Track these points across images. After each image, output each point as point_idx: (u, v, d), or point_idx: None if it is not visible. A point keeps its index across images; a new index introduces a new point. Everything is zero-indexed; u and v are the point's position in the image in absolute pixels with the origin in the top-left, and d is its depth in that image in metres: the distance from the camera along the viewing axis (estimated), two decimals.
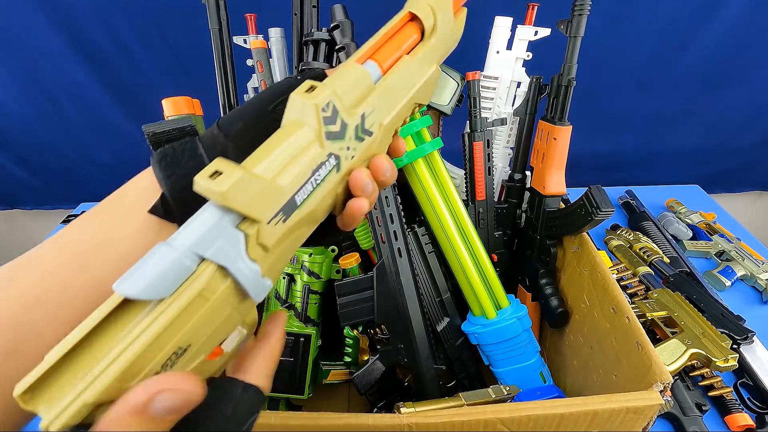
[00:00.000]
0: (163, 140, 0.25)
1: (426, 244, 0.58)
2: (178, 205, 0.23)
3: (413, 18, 0.26)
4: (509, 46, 0.62)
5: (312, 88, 0.21)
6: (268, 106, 0.25)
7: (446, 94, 0.61)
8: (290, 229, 0.20)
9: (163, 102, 0.55)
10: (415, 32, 0.26)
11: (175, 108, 0.55)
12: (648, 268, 0.86)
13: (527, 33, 0.61)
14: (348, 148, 0.22)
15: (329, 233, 0.27)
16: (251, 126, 0.25)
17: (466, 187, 0.64)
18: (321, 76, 0.25)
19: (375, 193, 0.25)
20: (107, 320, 0.17)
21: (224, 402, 0.19)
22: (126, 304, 0.17)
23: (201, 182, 0.18)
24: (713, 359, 0.62)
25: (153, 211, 0.23)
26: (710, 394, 0.66)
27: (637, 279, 0.83)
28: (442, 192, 0.55)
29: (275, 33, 0.66)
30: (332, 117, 0.21)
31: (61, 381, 0.16)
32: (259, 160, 0.20)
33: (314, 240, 0.26)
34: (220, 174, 0.18)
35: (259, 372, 0.22)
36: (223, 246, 0.18)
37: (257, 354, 0.23)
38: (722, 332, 0.67)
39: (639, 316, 0.71)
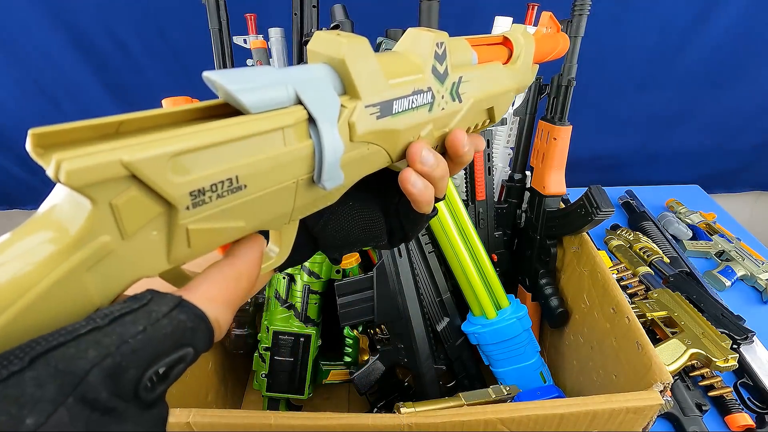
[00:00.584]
0: None
1: (426, 244, 0.58)
2: None
3: (505, 42, 0.30)
4: None
5: (440, 42, 0.22)
6: None
7: None
8: (378, 132, 0.20)
9: (163, 102, 0.55)
10: (503, 54, 0.29)
11: None
12: (648, 268, 0.86)
13: None
14: (443, 97, 0.23)
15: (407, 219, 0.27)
16: None
17: (466, 187, 0.64)
18: None
19: (460, 164, 0.26)
20: (199, 112, 0.16)
21: (132, 318, 0.13)
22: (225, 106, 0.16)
23: (323, 34, 0.18)
24: (713, 359, 0.62)
25: None
26: (710, 394, 0.66)
27: (637, 279, 0.83)
28: None
29: (275, 33, 0.66)
30: (441, 57, 0.22)
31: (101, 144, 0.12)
32: (383, 56, 0.20)
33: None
34: (345, 38, 0.17)
35: (209, 293, 0.16)
36: (322, 100, 0.17)
37: (214, 272, 0.17)
38: (722, 332, 0.67)
39: (639, 316, 0.71)
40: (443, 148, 0.26)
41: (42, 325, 0.12)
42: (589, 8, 0.55)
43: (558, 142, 0.58)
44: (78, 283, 0.13)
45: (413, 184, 0.22)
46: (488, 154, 0.61)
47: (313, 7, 0.60)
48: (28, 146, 0.12)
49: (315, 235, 0.25)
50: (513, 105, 0.65)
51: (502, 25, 0.61)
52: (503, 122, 0.64)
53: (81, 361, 0.12)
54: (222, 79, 0.15)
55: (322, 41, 0.18)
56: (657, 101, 1.09)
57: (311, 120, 0.17)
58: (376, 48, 0.57)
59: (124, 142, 0.13)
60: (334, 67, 0.18)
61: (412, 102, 0.21)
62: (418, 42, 0.22)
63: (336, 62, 0.18)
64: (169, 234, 0.14)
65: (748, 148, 1.19)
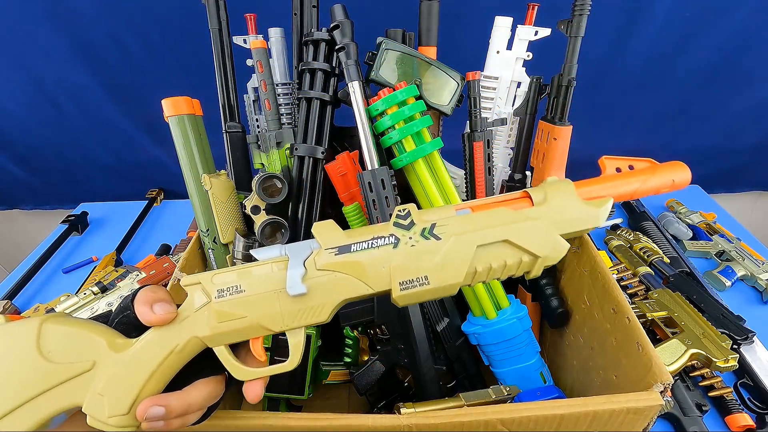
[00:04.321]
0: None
1: None
2: None
3: (526, 195, 0.33)
4: (509, 46, 0.62)
5: (403, 210, 0.31)
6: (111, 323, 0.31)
7: (446, 94, 0.61)
8: (339, 263, 0.30)
9: (163, 102, 0.55)
10: (526, 204, 0.32)
11: (174, 108, 0.55)
12: (648, 268, 0.86)
13: (527, 33, 0.61)
14: (410, 238, 0.30)
15: None
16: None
17: (466, 187, 0.63)
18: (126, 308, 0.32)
19: None
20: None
21: None
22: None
23: (315, 226, 0.31)
24: (713, 359, 0.62)
25: None
26: (710, 394, 0.66)
27: (637, 279, 0.83)
28: (442, 192, 0.54)
29: (275, 33, 0.66)
30: (404, 216, 0.31)
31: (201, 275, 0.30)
32: (350, 231, 0.31)
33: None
34: (324, 225, 0.31)
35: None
36: (297, 251, 0.30)
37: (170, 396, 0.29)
38: (722, 332, 0.67)
39: (639, 317, 0.71)
40: None
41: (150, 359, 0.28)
42: (589, 8, 0.55)
43: (558, 142, 0.58)
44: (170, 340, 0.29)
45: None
46: (488, 154, 0.61)
47: (313, 7, 0.60)
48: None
49: None
50: (513, 105, 0.65)
51: (503, 25, 0.61)
52: (503, 122, 0.64)
53: None
54: (253, 252, 0.31)
55: (314, 228, 0.31)
56: (657, 101, 1.09)
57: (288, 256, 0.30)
58: (376, 48, 0.57)
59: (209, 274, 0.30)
60: (315, 237, 0.31)
61: (372, 243, 0.30)
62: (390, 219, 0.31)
63: (315, 235, 0.31)
64: (209, 313, 0.29)
65: (748, 148, 1.19)
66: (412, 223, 0.30)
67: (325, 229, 0.31)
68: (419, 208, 0.56)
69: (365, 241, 0.30)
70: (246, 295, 0.29)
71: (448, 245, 0.30)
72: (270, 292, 0.29)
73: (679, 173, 0.34)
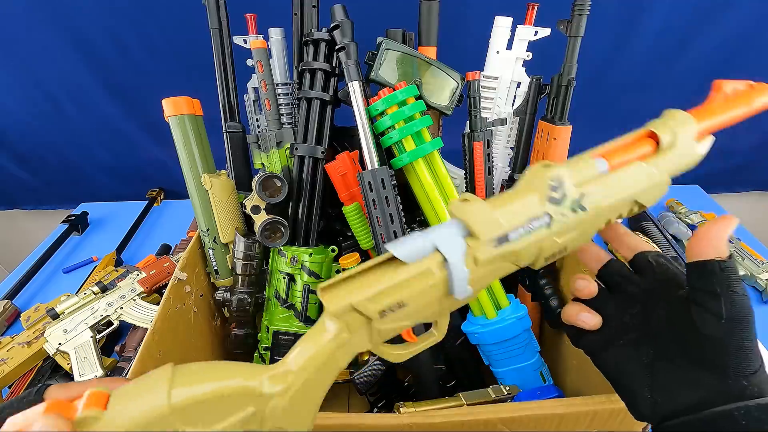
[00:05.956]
0: None
1: None
2: None
3: (652, 135, 0.31)
4: (509, 46, 0.62)
5: (546, 165, 0.28)
6: None
7: (446, 94, 0.61)
8: (498, 255, 0.27)
9: (163, 102, 0.55)
10: (649, 145, 0.30)
11: (175, 108, 0.55)
12: None
13: (527, 33, 0.61)
14: (562, 214, 0.28)
15: None
16: None
17: (466, 187, 0.64)
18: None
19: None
20: (377, 266, 0.27)
21: None
22: (392, 259, 0.27)
23: (455, 203, 0.28)
24: None
25: None
26: None
27: None
28: (442, 192, 0.55)
29: (275, 33, 0.66)
30: (556, 187, 0.28)
31: (341, 290, 0.26)
32: (495, 204, 0.27)
33: None
34: (468, 201, 0.27)
35: None
36: (451, 246, 0.26)
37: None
38: None
39: None
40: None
41: (320, 381, 0.26)
42: (589, 8, 0.55)
43: (558, 142, 0.58)
44: (335, 356, 0.26)
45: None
46: (488, 154, 0.61)
47: (313, 7, 0.60)
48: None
49: None
50: (513, 105, 0.65)
51: (503, 25, 0.61)
52: (503, 122, 0.64)
53: None
54: (392, 249, 0.26)
55: (454, 206, 0.28)
56: (657, 101, 1.09)
57: (445, 259, 0.26)
58: (376, 48, 0.57)
59: (353, 289, 0.26)
60: (460, 220, 0.27)
61: (529, 229, 0.27)
62: (534, 181, 0.28)
63: (461, 219, 0.27)
64: (370, 331, 0.26)
65: (748, 148, 1.19)
66: (564, 196, 0.28)
67: (473, 211, 0.26)
68: (419, 207, 0.56)
69: (522, 227, 0.27)
70: (410, 308, 0.26)
71: (591, 215, 0.28)
72: (434, 299, 0.27)
73: None
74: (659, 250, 0.31)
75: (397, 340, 0.29)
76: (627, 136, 0.31)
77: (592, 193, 0.28)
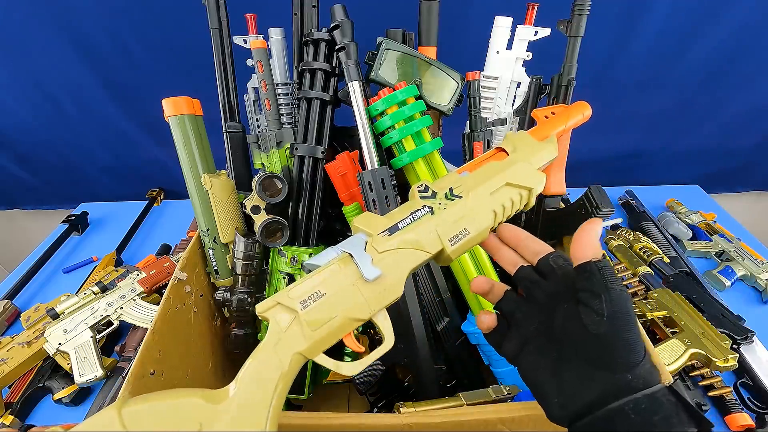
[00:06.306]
0: None
1: None
2: None
3: (500, 149, 0.41)
4: (509, 46, 0.62)
5: (421, 185, 0.36)
6: None
7: (446, 94, 0.61)
8: (397, 242, 0.33)
9: (163, 102, 0.55)
10: (501, 156, 0.40)
11: (175, 108, 0.55)
12: (648, 268, 0.86)
13: (527, 33, 0.61)
14: (440, 203, 0.35)
15: None
16: None
17: None
18: None
19: None
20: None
21: None
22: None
23: (356, 219, 0.35)
24: (713, 359, 0.62)
25: None
26: (710, 394, 0.66)
27: (637, 279, 0.83)
28: None
29: (275, 33, 0.66)
30: (425, 189, 0.36)
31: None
32: (385, 214, 0.35)
33: None
34: (363, 214, 0.35)
35: None
36: (353, 246, 0.33)
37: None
38: (722, 332, 0.67)
39: (639, 316, 0.71)
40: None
41: (264, 384, 0.29)
42: (589, 8, 0.55)
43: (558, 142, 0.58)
44: (274, 356, 0.30)
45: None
46: None
47: (313, 7, 0.60)
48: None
49: None
50: (513, 105, 0.65)
51: (503, 25, 0.61)
52: (503, 122, 0.64)
53: None
54: (310, 260, 0.33)
55: (355, 220, 0.35)
56: (657, 101, 1.09)
57: (351, 255, 0.32)
58: (376, 48, 0.57)
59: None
60: (358, 228, 0.34)
61: (413, 217, 0.34)
62: (409, 195, 0.36)
63: (358, 227, 0.34)
64: (300, 326, 0.30)
65: (748, 148, 1.19)
66: (434, 193, 0.35)
67: (366, 220, 0.34)
68: None
69: (406, 218, 0.34)
70: (329, 296, 0.30)
71: (471, 200, 0.35)
72: (349, 286, 0.31)
73: (586, 109, 0.48)
74: (560, 252, 0.33)
75: (354, 357, 0.33)
76: (480, 156, 0.40)
77: (462, 185, 0.36)
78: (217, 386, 0.29)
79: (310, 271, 0.32)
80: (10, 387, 0.72)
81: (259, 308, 0.30)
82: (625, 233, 0.97)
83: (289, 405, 0.62)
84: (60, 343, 0.71)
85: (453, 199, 0.35)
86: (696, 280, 0.84)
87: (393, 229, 0.33)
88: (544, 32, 0.61)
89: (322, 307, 0.30)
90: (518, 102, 0.64)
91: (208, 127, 0.59)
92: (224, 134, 0.64)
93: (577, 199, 0.56)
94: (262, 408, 0.28)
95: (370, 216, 0.34)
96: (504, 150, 0.40)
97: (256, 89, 0.67)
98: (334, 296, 0.30)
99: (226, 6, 0.61)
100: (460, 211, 0.35)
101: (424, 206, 0.34)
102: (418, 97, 0.53)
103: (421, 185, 0.36)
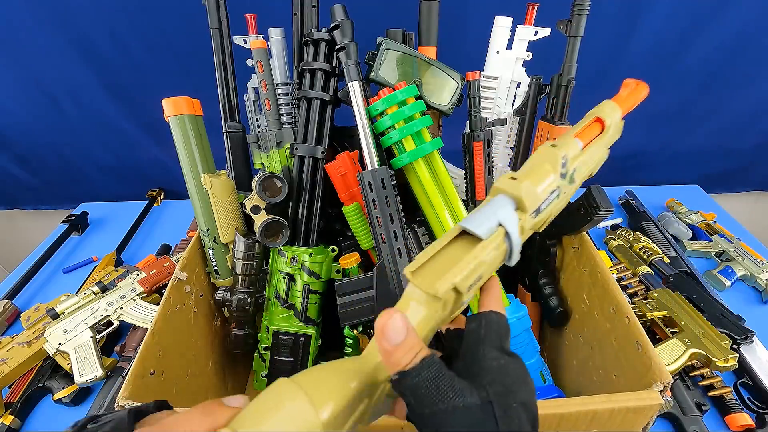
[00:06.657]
0: None
1: (426, 244, 0.58)
2: None
3: (598, 120, 0.38)
4: (509, 46, 0.62)
5: (554, 146, 0.33)
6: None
7: (446, 94, 0.61)
8: (535, 223, 0.32)
9: (163, 102, 0.55)
10: (597, 128, 0.37)
11: (175, 108, 0.55)
12: (648, 268, 0.86)
13: (527, 33, 0.61)
14: (564, 186, 0.33)
15: None
16: None
17: (466, 187, 0.64)
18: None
19: None
20: (451, 242, 0.29)
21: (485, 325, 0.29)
22: (462, 234, 0.29)
23: (505, 181, 0.30)
24: (713, 359, 0.62)
25: None
26: (710, 394, 0.66)
27: (637, 279, 0.83)
28: (442, 192, 0.55)
29: (275, 33, 0.66)
30: (564, 164, 0.33)
31: (428, 270, 0.28)
32: (533, 182, 0.31)
33: None
34: (516, 179, 0.30)
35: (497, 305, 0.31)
36: (512, 222, 0.29)
37: (487, 295, 0.32)
38: (722, 332, 0.67)
39: (639, 316, 0.71)
40: None
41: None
42: (589, 8, 0.55)
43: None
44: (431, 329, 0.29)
45: None
46: (488, 154, 0.61)
47: (313, 7, 0.60)
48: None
49: None
50: (513, 105, 0.65)
51: (503, 25, 0.61)
52: (503, 122, 0.64)
53: None
54: (467, 225, 0.28)
55: (504, 182, 0.30)
56: (657, 101, 1.09)
57: (507, 233, 0.29)
58: (376, 48, 0.57)
59: (442, 269, 0.27)
60: (512, 197, 0.30)
61: (549, 200, 0.32)
62: (548, 160, 0.32)
63: (515, 196, 0.30)
64: (454, 305, 0.29)
65: (748, 148, 1.19)
66: (567, 171, 0.33)
67: (525, 187, 0.30)
68: (419, 207, 0.56)
69: (547, 200, 0.32)
70: (482, 279, 0.30)
71: (577, 185, 0.35)
72: (494, 269, 0.31)
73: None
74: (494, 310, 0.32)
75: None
76: (584, 120, 0.37)
77: (577, 167, 0.34)
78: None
79: (457, 231, 0.29)
80: (10, 387, 0.72)
81: (442, 290, 0.27)
82: (625, 233, 0.97)
83: None
84: (60, 343, 0.71)
85: (571, 184, 0.34)
86: (696, 280, 0.84)
87: (537, 211, 0.31)
88: (544, 32, 0.61)
89: (475, 288, 0.30)
90: (518, 102, 0.64)
91: (208, 127, 0.59)
92: (224, 134, 0.64)
93: (577, 198, 0.56)
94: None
95: (526, 183, 0.30)
96: (603, 122, 0.37)
97: (256, 89, 0.67)
98: (484, 277, 0.30)
99: (226, 6, 0.61)
100: (567, 198, 0.34)
101: (558, 188, 0.32)
102: (418, 97, 0.53)
103: (564, 157, 0.32)
